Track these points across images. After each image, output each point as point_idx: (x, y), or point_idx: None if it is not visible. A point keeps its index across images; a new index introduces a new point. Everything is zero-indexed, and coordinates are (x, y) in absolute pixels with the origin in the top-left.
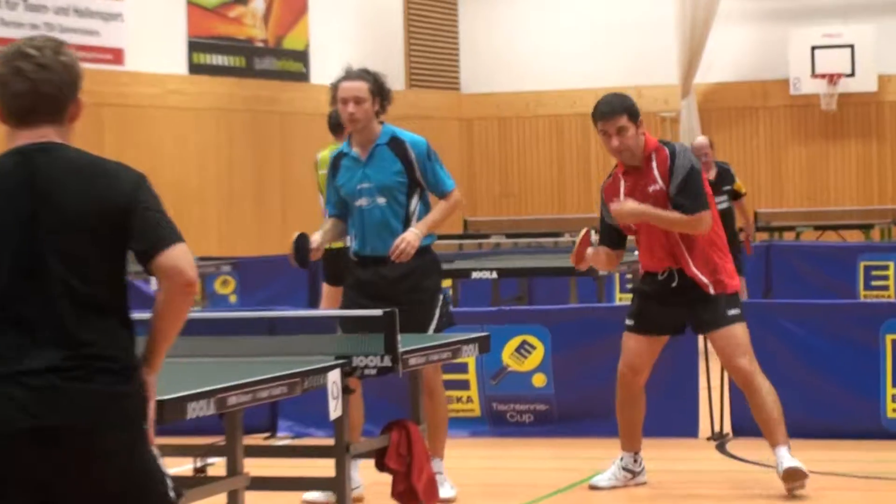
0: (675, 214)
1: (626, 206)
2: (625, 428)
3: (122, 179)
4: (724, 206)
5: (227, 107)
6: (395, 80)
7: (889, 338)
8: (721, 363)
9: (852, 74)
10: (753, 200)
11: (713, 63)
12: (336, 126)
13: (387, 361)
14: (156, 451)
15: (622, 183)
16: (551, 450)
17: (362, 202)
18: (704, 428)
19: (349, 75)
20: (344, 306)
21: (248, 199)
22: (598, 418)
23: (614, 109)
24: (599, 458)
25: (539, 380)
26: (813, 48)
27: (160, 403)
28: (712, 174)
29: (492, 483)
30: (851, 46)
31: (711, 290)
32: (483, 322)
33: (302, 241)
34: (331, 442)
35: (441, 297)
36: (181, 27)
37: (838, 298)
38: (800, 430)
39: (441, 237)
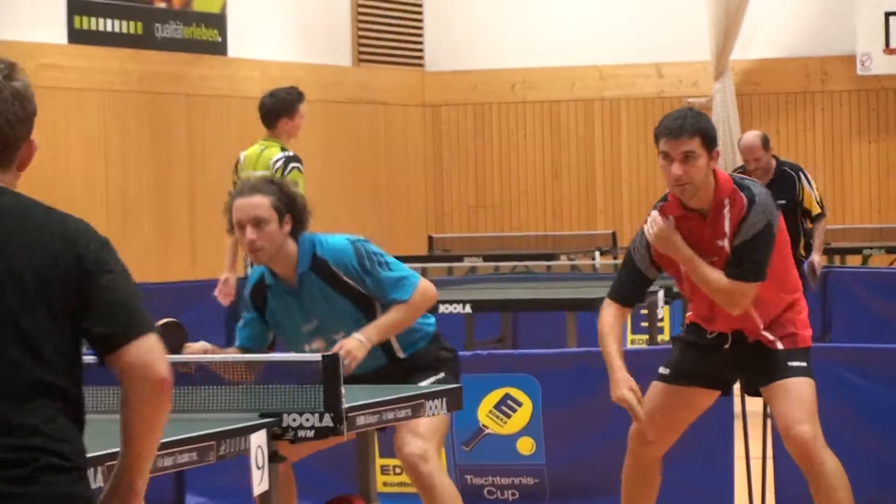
0: (715, 274)
1: (661, 230)
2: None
3: (77, 240)
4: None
5: (119, 87)
6: (341, 54)
7: None
8: (778, 428)
9: None
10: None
11: (756, 34)
12: (270, 114)
13: (327, 420)
14: None
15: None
16: None
17: (318, 345)
18: (740, 499)
19: (242, 190)
20: None
21: (147, 206)
22: (601, 496)
23: (685, 127)
24: None
25: (525, 445)
26: (887, 14)
27: None
28: (767, 178)
29: None
30: None
31: (779, 346)
32: (468, 370)
33: (175, 334)
34: None
35: None
36: None
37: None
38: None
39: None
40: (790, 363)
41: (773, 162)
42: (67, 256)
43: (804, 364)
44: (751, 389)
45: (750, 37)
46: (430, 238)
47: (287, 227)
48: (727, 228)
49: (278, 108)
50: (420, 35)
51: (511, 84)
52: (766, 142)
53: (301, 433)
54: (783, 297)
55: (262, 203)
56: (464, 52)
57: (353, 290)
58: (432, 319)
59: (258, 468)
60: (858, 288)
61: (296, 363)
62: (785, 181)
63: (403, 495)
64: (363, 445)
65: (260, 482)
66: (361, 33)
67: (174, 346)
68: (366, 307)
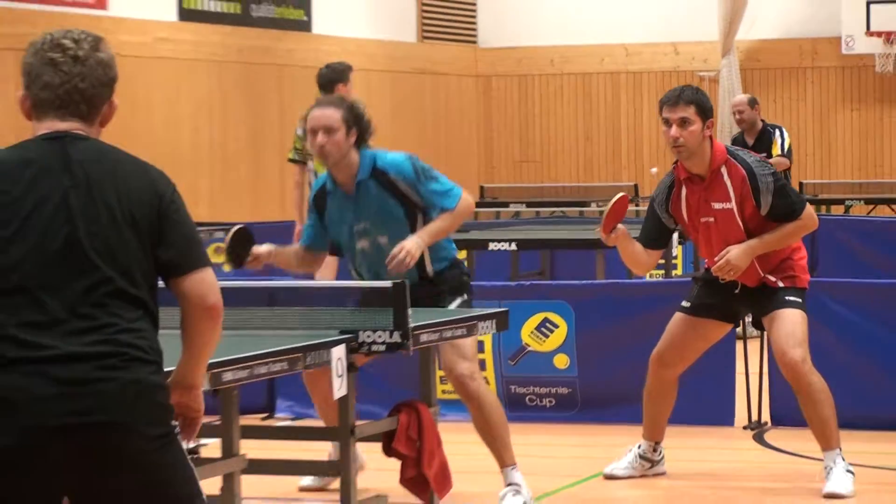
0: (783, 230)
1: (729, 258)
2: (649, 418)
3: (157, 182)
4: None
5: (221, 58)
6: (407, 31)
7: None
8: (773, 352)
9: None
10: (799, 170)
11: (757, 18)
12: (328, 82)
13: (396, 337)
14: (187, 452)
15: (683, 191)
16: (573, 437)
17: (363, 245)
18: (741, 416)
19: (319, 103)
20: None
21: (244, 160)
22: (625, 404)
23: (681, 97)
24: (620, 446)
25: (561, 361)
26: (868, 2)
27: None
28: (753, 138)
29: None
30: None
31: (780, 285)
32: (501, 297)
33: (244, 238)
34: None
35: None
36: None
37: (877, 280)
38: (848, 422)
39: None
40: (787, 297)
41: (760, 123)
42: (151, 196)
43: (799, 299)
44: (758, 319)
45: (752, 20)
46: (482, 187)
47: (352, 139)
48: (731, 192)
49: (334, 77)
50: (474, 16)
51: (550, 59)
52: (752, 102)
53: (374, 347)
54: (784, 248)
55: (333, 115)
56: (510, 31)
57: (407, 198)
58: (454, 245)
59: (338, 377)
60: (841, 233)
61: (369, 289)
62: (766, 138)
63: (458, 402)
64: (425, 359)
65: (339, 388)
66: (425, 14)
67: (244, 247)
68: (412, 215)
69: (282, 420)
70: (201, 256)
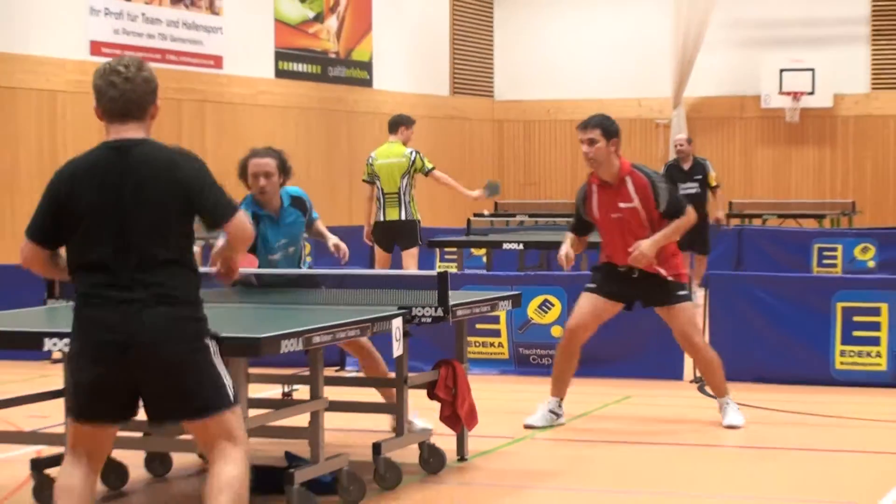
0: (674, 225)
1: (641, 250)
2: (558, 378)
3: (186, 167)
4: (693, 191)
5: (306, 106)
6: (442, 88)
7: (839, 305)
8: (674, 333)
9: (812, 93)
10: (729, 192)
11: (699, 81)
12: (396, 124)
13: (440, 312)
14: (217, 361)
15: (595, 194)
16: None
17: (278, 255)
18: (688, 373)
19: (258, 153)
20: None
21: (323, 181)
22: (602, 363)
23: (590, 123)
24: (603, 394)
25: (557, 331)
26: (781, 70)
27: (258, 341)
28: (688, 165)
29: (517, 411)
30: (812, 70)
31: (669, 278)
32: (513, 284)
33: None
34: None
35: None
36: (270, 39)
37: (786, 273)
38: (766, 377)
39: (476, 216)
40: (677, 293)
41: (692, 156)
42: (178, 178)
43: (686, 292)
44: (648, 305)
45: (696, 82)
46: (496, 203)
47: (282, 179)
48: (634, 195)
49: (400, 121)
50: (491, 77)
51: (547, 109)
52: (689, 140)
53: (423, 319)
54: (670, 246)
55: (271, 163)
56: (518, 88)
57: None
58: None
59: (397, 340)
60: (759, 239)
61: (419, 276)
62: (697, 167)
63: (480, 360)
64: (460, 328)
65: (397, 349)
66: (455, 75)
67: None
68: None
69: (349, 372)
70: (230, 207)
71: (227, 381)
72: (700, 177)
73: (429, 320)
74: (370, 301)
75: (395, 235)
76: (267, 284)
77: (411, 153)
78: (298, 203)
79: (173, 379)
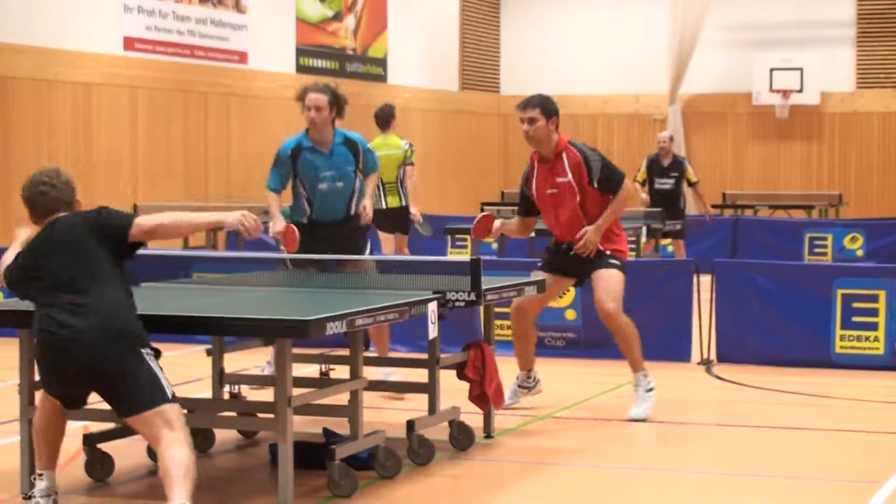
0: (612, 206)
1: (588, 237)
2: (520, 354)
3: (92, 217)
4: (668, 186)
5: None
6: (452, 83)
7: (839, 291)
8: (594, 303)
9: (801, 91)
10: (722, 184)
11: (694, 78)
12: (388, 118)
13: (472, 297)
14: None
15: (535, 169)
16: (579, 368)
17: (325, 185)
18: (695, 355)
19: (315, 87)
20: None
21: None
22: (614, 346)
23: (529, 103)
24: (614, 375)
25: (570, 314)
26: (771, 69)
27: (306, 323)
28: (667, 161)
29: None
30: (801, 69)
31: (607, 252)
32: (530, 270)
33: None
34: (422, 356)
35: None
36: (291, 37)
37: (788, 261)
38: (769, 359)
39: (486, 204)
40: (609, 261)
41: (672, 153)
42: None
43: (618, 263)
44: (587, 277)
45: (691, 80)
46: (502, 192)
47: (333, 114)
48: (568, 170)
49: (390, 114)
50: (497, 72)
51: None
52: (671, 138)
53: (457, 303)
54: (614, 227)
55: (322, 98)
56: (523, 83)
57: (359, 160)
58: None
59: (432, 323)
60: (754, 228)
61: (454, 262)
62: (675, 164)
63: (499, 342)
64: (489, 311)
65: (432, 331)
66: (464, 71)
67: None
68: (356, 172)
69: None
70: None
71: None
72: (676, 174)
73: (462, 304)
74: (405, 286)
75: (397, 221)
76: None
77: (407, 144)
78: (351, 145)
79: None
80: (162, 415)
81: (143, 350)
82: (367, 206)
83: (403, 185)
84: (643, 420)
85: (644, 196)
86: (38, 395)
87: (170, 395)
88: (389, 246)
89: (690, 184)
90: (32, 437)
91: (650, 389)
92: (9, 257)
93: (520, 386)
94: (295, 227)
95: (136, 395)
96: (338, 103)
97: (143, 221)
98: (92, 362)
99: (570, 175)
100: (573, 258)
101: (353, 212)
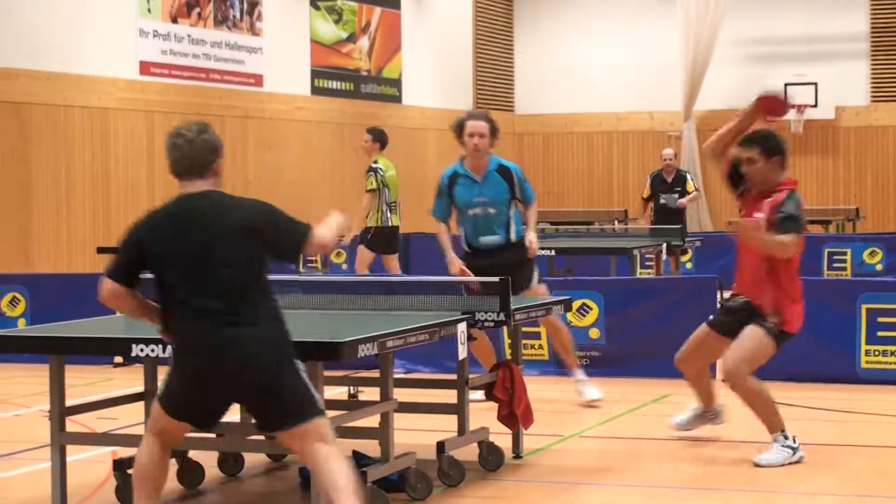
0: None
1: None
2: (697, 391)
3: (252, 207)
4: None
5: (340, 121)
6: (466, 102)
7: (864, 307)
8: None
9: (815, 105)
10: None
11: (708, 95)
12: (386, 139)
13: (501, 317)
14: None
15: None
16: (603, 386)
17: (477, 210)
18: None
19: (474, 115)
20: None
21: (354, 193)
22: (638, 363)
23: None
24: (643, 393)
25: (594, 333)
26: (785, 84)
27: (339, 345)
28: (671, 177)
29: (561, 411)
30: (815, 84)
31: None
32: (553, 288)
33: None
34: (448, 376)
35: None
36: (306, 59)
37: (807, 277)
38: (794, 375)
39: None
40: (762, 322)
41: (676, 169)
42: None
43: (770, 326)
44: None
45: (705, 96)
46: None
47: (491, 141)
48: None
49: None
50: (512, 92)
51: (564, 122)
52: (676, 155)
53: (486, 323)
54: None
55: (484, 125)
56: (537, 103)
57: (513, 188)
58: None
59: (462, 344)
60: None
61: (483, 282)
62: (679, 179)
63: (538, 361)
64: (517, 331)
65: (462, 352)
66: (478, 90)
67: None
68: (512, 200)
69: (398, 373)
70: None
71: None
72: (680, 188)
73: (491, 324)
74: (435, 306)
75: (395, 239)
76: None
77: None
78: (504, 172)
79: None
80: (318, 428)
81: (296, 360)
82: (532, 241)
83: (399, 204)
84: (761, 466)
85: (647, 213)
86: (150, 433)
87: (322, 408)
88: (368, 266)
89: (686, 192)
90: (135, 481)
91: (787, 447)
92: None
93: (701, 414)
94: (465, 269)
95: (292, 407)
96: (495, 131)
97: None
98: (255, 371)
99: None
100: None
101: (513, 239)
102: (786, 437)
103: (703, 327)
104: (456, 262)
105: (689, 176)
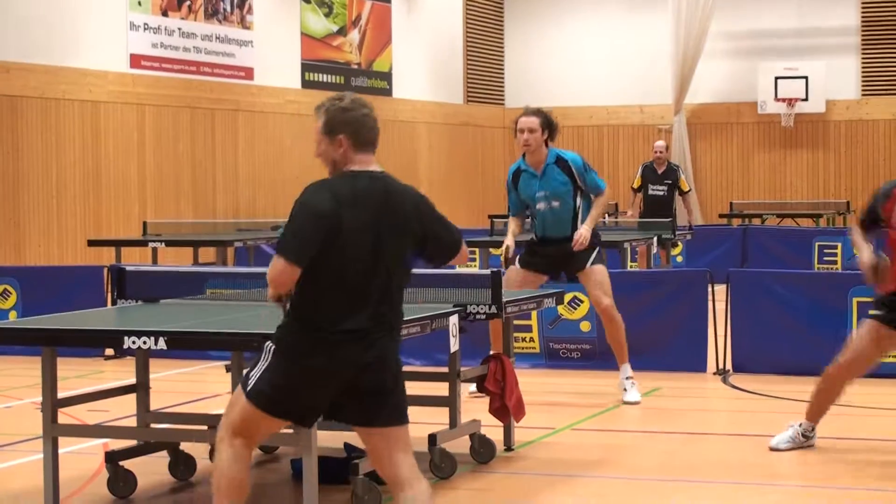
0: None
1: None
2: (820, 403)
3: (416, 199)
4: (661, 193)
5: None
6: (456, 96)
7: (856, 300)
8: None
9: (806, 99)
10: (729, 194)
11: (699, 88)
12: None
13: (493, 309)
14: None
15: None
16: (593, 379)
17: (542, 205)
18: (711, 365)
19: (526, 112)
20: None
21: None
22: (630, 356)
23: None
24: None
25: (585, 326)
26: (776, 78)
27: None
28: (661, 169)
29: (552, 403)
30: (806, 78)
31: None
32: (544, 282)
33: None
34: (439, 369)
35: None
36: (297, 52)
37: (803, 270)
38: (785, 369)
39: (494, 216)
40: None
41: (667, 161)
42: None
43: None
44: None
45: (696, 90)
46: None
47: (545, 136)
48: None
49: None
50: (502, 85)
51: (554, 116)
52: (667, 147)
53: (478, 316)
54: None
55: (535, 120)
56: (527, 96)
57: (575, 179)
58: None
59: (453, 336)
60: (763, 237)
61: (475, 275)
62: (669, 172)
63: (529, 354)
64: (508, 324)
65: (454, 344)
66: (469, 84)
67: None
68: (576, 190)
69: None
70: (456, 233)
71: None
72: (670, 181)
73: (483, 317)
74: (426, 299)
75: None
76: None
77: None
78: (563, 164)
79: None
80: (407, 433)
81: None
82: (582, 233)
83: None
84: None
85: (637, 203)
86: (231, 436)
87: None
88: None
89: (682, 192)
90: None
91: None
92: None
93: (803, 435)
94: (511, 246)
95: (402, 404)
96: (549, 126)
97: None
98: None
99: None
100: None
101: (585, 245)
102: None
103: (873, 324)
104: (505, 241)
105: (681, 171)
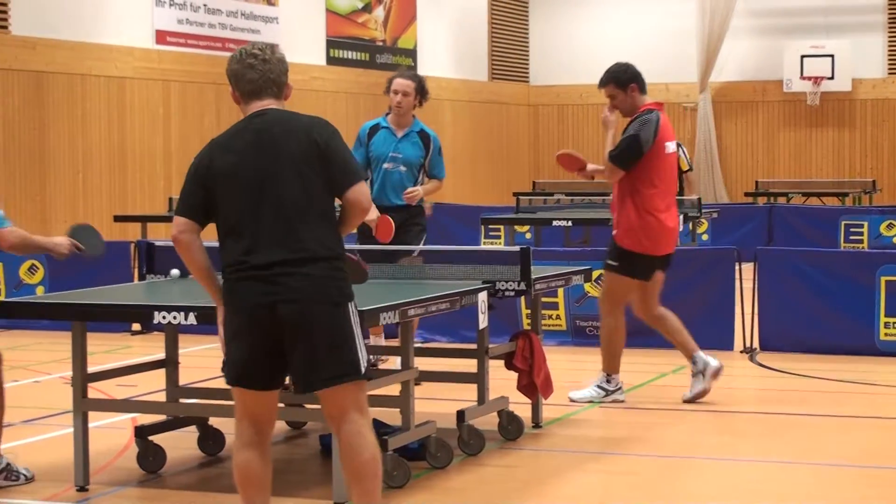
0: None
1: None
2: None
3: (313, 130)
4: None
5: (355, 91)
6: (481, 73)
7: (884, 279)
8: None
9: (832, 78)
10: (754, 173)
11: (724, 66)
12: None
13: (522, 286)
14: (356, 328)
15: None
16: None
17: (389, 165)
18: (738, 343)
19: (401, 74)
20: None
21: None
22: (656, 334)
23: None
24: (659, 365)
25: None
26: (802, 56)
27: (360, 313)
28: None
29: (578, 381)
30: (832, 56)
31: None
32: (571, 259)
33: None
34: (467, 346)
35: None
36: (321, 28)
37: (831, 249)
38: (812, 347)
39: (518, 194)
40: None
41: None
42: (310, 141)
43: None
44: None
45: (721, 68)
46: (534, 182)
47: (416, 101)
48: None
49: None
50: (527, 63)
51: (580, 94)
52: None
53: (507, 293)
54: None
55: (410, 84)
56: (552, 73)
57: (427, 155)
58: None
59: (482, 313)
60: (789, 216)
61: (503, 252)
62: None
63: (557, 331)
64: (537, 301)
65: (483, 321)
66: (493, 62)
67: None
68: (422, 167)
69: (416, 343)
70: (356, 174)
71: (362, 353)
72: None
73: (512, 294)
74: (455, 276)
75: None
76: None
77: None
78: (424, 137)
79: (310, 344)
80: (357, 391)
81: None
82: (417, 191)
83: None
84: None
85: None
86: (241, 420)
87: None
88: None
89: (683, 172)
90: (245, 484)
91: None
92: None
93: (698, 373)
94: (390, 218)
95: (343, 357)
96: (422, 92)
97: None
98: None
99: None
100: None
101: (415, 201)
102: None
103: None
104: (375, 210)
105: (682, 150)
